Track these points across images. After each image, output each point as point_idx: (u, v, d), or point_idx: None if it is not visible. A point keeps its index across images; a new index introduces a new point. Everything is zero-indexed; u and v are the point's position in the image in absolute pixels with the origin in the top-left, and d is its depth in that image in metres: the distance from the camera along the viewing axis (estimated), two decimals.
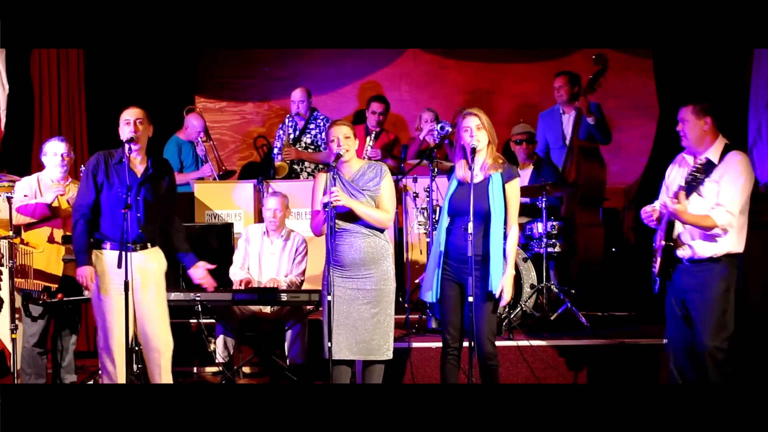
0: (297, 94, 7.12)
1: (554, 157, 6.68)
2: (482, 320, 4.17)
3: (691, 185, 4.16)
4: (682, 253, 4.33)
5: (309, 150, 7.14)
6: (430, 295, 4.32)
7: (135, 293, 4.44)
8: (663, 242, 4.34)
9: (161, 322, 4.56)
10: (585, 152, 6.28)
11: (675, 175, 4.44)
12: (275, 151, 7.23)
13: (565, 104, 6.70)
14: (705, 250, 4.27)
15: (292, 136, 7.14)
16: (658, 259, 4.37)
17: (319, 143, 7.14)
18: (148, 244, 4.55)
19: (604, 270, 6.26)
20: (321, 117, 7.23)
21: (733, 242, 4.27)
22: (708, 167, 4.22)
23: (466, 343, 4.30)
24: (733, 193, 4.20)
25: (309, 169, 7.16)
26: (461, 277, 4.19)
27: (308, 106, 7.14)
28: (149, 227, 4.54)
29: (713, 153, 4.28)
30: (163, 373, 4.56)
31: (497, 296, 4.19)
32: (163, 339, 4.56)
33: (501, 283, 4.16)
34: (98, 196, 4.51)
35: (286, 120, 7.23)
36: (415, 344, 5.34)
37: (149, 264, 4.54)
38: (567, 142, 6.60)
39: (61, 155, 5.23)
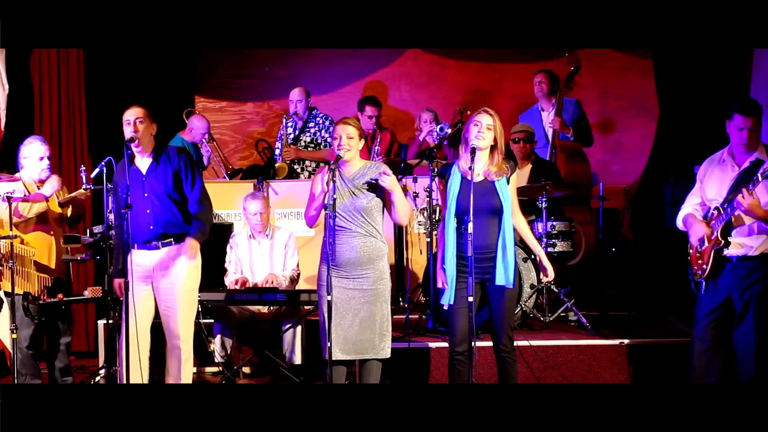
0: (295, 94, 7.16)
1: (539, 155, 6.69)
2: (504, 314, 4.26)
3: (752, 182, 4.20)
4: (735, 251, 4.37)
5: (309, 149, 7.14)
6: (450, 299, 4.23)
7: (157, 291, 4.54)
8: (722, 241, 4.35)
9: (183, 319, 4.54)
10: (568, 153, 6.34)
11: (717, 174, 4.46)
12: (276, 152, 7.25)
13: (544, 100, 6.76)
14: (760, 246, 4.32)
15: (291, 135, 7.15)
16: (710, 260, 4.39)
17: (319, 141, 7.14)
18: (172, 240, 4.53)
19: (605, 270, 6.26)
20: (320, 115, 7.23)
21: None
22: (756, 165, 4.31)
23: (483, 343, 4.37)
24: None
25: (310, 169, 7.14)
26: (477, 276, 4.18)
27: (306, 106, 7.16)
28: (165, 222, 4.51)
29: (763, 152, 4.36)
30: (183, 368, 4.55)
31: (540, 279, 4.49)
32: (183, 335, 4.55)
33: (545, 264, 4.35)
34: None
35: (284, 120, 7.23)
36: (414, 344, 5.34)
37: (171, 260, 4.52)
38: (549, 139, 6.63)
39: (47, 157, 5.18)
